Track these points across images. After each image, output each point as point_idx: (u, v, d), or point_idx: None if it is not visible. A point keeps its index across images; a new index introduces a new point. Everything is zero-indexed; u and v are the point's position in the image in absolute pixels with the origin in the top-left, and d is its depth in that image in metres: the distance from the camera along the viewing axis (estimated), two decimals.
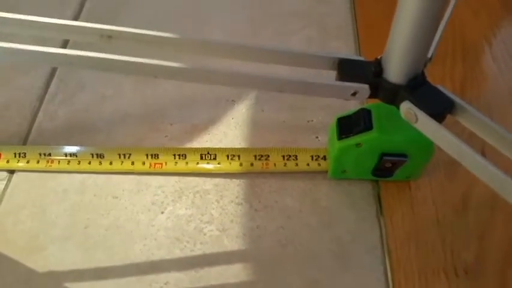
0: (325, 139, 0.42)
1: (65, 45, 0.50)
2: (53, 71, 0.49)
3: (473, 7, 0.53)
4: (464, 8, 0.52)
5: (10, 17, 0.30)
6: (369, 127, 0.34)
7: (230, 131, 0.44)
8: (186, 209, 0.39)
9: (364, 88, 0.29)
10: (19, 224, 0.38)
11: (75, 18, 0.54)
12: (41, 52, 0.28)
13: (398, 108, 0.29)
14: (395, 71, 0.28)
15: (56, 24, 0.29)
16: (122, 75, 0.46)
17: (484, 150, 0.37)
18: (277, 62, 0.30)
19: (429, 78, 0.29)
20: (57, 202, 0.39)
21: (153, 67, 0.28)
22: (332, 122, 0.37)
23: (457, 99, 0.27)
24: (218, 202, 0.39)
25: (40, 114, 0.45)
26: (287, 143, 0.42)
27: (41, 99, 0.47)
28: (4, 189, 0.40)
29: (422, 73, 0.29)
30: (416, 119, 0.27)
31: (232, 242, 0.37)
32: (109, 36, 0.28)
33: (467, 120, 0.28)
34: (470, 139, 0.28)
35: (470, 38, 0.50)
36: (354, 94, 0.29)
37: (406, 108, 0.28)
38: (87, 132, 0.44)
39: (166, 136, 0.43)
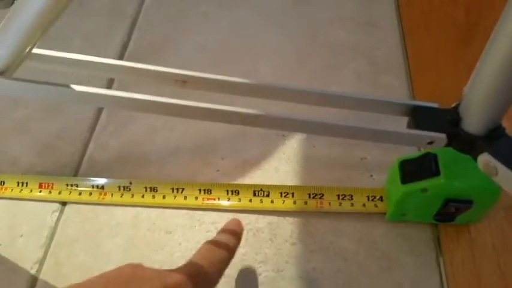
0: (380, 178, 0.41)
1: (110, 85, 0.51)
2: (109, 83, 0.49)
3: None
4: None
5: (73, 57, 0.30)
6: (436, 172, 0.33)
7: (282, 166, 0.43)
8: (240, 247, 0.38)
9: (441, 138, 0.28)
10: (72, 257, 0.38)
11: (124, 49, 0.55)
12: (121, 97, 0.28)
13: (474, 158, 0.28)
14: (474, 121, 0.27)
15: (128, 67, 0.29)
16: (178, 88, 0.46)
17: None
18: (347, 107, 0.30)
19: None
20: (110, 236, 0.39)
21: (222, 113, 0.28)
22: (393, 164, 0.36)
23: None
24: (272, 241, 0.38)
25: (91, 145, 0.46)
26: (340, 181, 0.42)
27: (92, 130, 0.47)
28: (57, 221, 0.41)
29: (500, 124, 0.28)
30: (497, 172, 0.27)
31: (288, 284, 0.36)
32: (184, 81, 0.28)
33: None
34: None
35: None
36: (430, 143, 0.28)
37: (485, 160, 0.27)
38: (139, 164, 0.44)
39: (218, 170, 0.43)
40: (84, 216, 0.41)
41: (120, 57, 0.54)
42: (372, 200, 0.39)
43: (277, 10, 0.58)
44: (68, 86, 0.28)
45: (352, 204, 0.39)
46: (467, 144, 0.28)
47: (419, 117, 0.29)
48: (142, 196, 0.41)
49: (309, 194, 0.40)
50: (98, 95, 0.28)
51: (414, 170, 0.34)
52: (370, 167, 0.42)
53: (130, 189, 0.41)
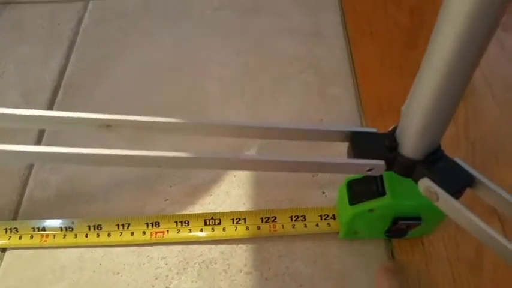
0: (332, 195, 0.41)
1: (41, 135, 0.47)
2: (41, 134, 0.46)
3: None
4: None
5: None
6: (381, 192, 0.32)
7: (233, 190, 0.42)
8: (192, 281, 0.37)
9: (380, 164, 0.27)
10: None
11: (61, 74, 0.52)
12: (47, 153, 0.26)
13: (416, 182, 0.28)
14: (411, 146, 0.27)
15: (56, 117, 0.27)
16: (115, 139, 0.44)
17: (503, 224, 0.36)
18: (288, 138, 0.29)
19: None
20: (55, 281, 0.37)
21: (155, 159, 0.26)
22: (342, 184, 0.36)
23: (476, 173, 0.26)
24: (226, 272, 0.37)
25: (30, 182, 0.43)
26: (293, 201, 0.41)
27: (31, 166, 0.44)
28: None
29: (439, 146, 0.27)
30: (437, 198, 0.26)
31: None
32: (107, 125, 0.26)
33: (486, 194, 0.27)
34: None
35: None
36: (370, 170, 0.28)
37: (426, 186, 0.27)
38: (82, 200, 0.41)
39: (166, 200, 0.41)
40: (26, 262, 0.38)
41: (58, 83, 0.51)
42: (325, 219, 0.39)
43: (223, 23, 0.56)
44: None
45: (305, 225, 0.38)
46: (407, 169, 0.28)
47: (358, 143, 0.28)
48: (86, 235, 0.39)
49: (262, 218, 0.39)
50: (22, 152, 0.26)
51: (361, 190, 0.33)
52: (321, 184, 0.42)
53: (73, 229, 0.39)
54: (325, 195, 0.41)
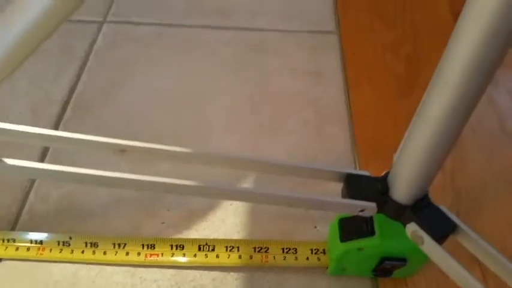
0: (324, 229, 0.42)
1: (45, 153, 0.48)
2: (45, 151, 0.48)
3: None
4: None
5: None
6: (371, 232, 0.34)
7: (229, 217, 0.43)
8: None
9: (371, 206, 0.29)
10: None
11: (71, 92, 0.54)
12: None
13: (404, 225, 0.30)
14: (402, 192, 0.29)
15: (69, 138, 0.29)
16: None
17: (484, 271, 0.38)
18: (285, 174, 0.30)
19: None
20: None
21: (155, 184, 0.28)
22: (333, 221, 0.37)
23: (459, 222, 0.28)
24: None
25: (31, 195, 0.44)
26: (286, 233, 0.42)
27: (33, 180, 0.45)
28: None
29: (427, 193, 0.30)
30: (423, 242, 0.28)
31: None
32: (122, 150, 0.28)
33: (468, 243, 0.29)
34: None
35: None
36: (362, 211, 0.30)
37: (412, 230, 0.28)
38: (81, 216, 0.43)
39: (163, 223, 0.43)
40: (20, 274, 0.39)
41: (68, 100, 0.53)
42: (315, 253, 0.40)
43: (230, 57, 0.59)
44: None
45: (296, 258, 0.40)
46: (396, 212, 0.30)
47: (352, 184, 0.30)
48: (82, 252, 0.40)
49: (255, 248, 0.40)
50: (27, 168, 0.27)
51: (352, 228, 0.35)
52: (314, 218, 0.43)
53: (70, 245, 0.40)
54: (317, 230, 0.43)
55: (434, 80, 0.24)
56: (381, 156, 0.48)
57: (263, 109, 0.53)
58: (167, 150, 0.28)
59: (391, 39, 0.62)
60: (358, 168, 0.48)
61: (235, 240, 0.41)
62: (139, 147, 0.28)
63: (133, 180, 0.28)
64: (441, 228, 0.28)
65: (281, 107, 0.53)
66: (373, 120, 0.52)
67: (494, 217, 0.45)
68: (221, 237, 0.42)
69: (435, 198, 0.45)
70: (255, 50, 0.60)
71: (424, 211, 0.29)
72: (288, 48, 0.60)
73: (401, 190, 0.29)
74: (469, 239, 0.28)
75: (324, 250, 0.40)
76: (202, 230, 0.42)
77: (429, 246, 0.28)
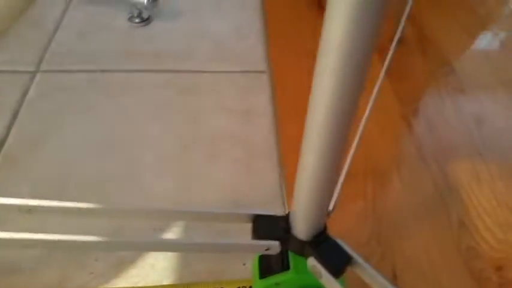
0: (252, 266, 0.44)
1: None
2: None
3: (380, 124, 0.60)
4: (372, 125, 0.59)
5: None
6: (286, 267, 0.36)
7: (158, 263, 0.44)
8: None
9: (275, 245, 0.31)
10: None
11: (1, 145, 0.54)
12: None
13: (306, 259, 0.32)
14: (300, 228, 0.31)
15: None
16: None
17: None
18: (200, 220, 0.32)
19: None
20: None
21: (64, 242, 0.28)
22: (255, 258, 0.39)
23: (354, 254, 0.30)
24: None
25: None
26: (215, 273, 0.43)
27: None
28: None
29: (325, 227, 0.32)
30: (321, 275, 0.30)
31: None
32: (28, 209, 0.28)
33: (362, 273, 0.31)
34: None
35: (378, 155, 0.56)
36: (267, 249, 0.31)
37: (312, 265, 0.30)
38: (7, 272, 0.42)
39: (91, 273, 0.42)
40: None
41: None
42: None
43: (163, 99, 0.61)
44: None
45: None
46: (298, 248, 0.31)
47: (259, 226, 0.32)
48: None
49: None
50: None
51: (269, 264, 0.37)
52: (242, 256, 0.45)
53: None
54: (246, 266, 0.44)
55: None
56: None
57: (195, 150, 0.55)
58: (74, 208, 0.29)
59: None
60: (286, 202, 0.50)
61: (163, 286, 0.42)
62: (47, 207, 0.29)
63: (42, 240, 0.28)
64: (338, 262, 0.30)
65: (212, 147, 0.55)
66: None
67: (412, 240, 0.48)
68: (150, 283, 0.42)
69: (358, 225, 0.48)
70: (188, 91, 0.62)
71: (321, 246, 0.31)
72: (220, 89, 0.63)
73: (300, 227, 0.31)
74: (363, 270, 0.30)
75: (250, 287, 0.41)
76: (131, 278, 0.43)
77: (327, 280, 0.30)
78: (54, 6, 0.75)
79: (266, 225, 0.32)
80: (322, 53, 0.21)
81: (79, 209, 0.29)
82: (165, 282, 0.42)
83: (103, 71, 0.64)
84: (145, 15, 0.73)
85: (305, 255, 0.32)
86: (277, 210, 0.44)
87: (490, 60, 0.76)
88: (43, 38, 0.69)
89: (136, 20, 0.73)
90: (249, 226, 0.34)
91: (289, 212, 0.32)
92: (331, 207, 0.32)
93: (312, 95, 0.24)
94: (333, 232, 0.33)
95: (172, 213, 0.33)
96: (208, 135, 0.56)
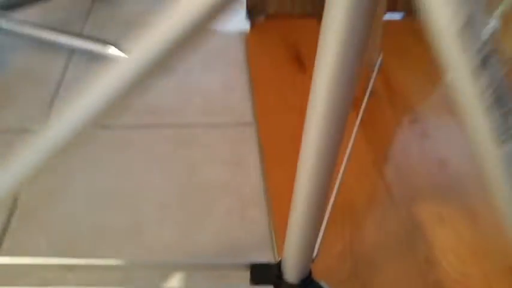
0: None
1: None
2: None
3: (354, 171, 0.68)
4: (347, 173, 0.67)
5: None
6: None
7: None
8: None
9: None
10: None
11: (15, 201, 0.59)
12: None
13: None
14: (290, 273, 0.37)
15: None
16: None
17: None
18: (199, 270, 0.38)
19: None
20: None
21: None
22: None
23: None
24: None
25: None
26: None
27: None
28: None
29: (310, 272, 0.38)
30: None
31: None
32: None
33: None
34: None
35: (353, 200, 0.63)
36: None
37: None
38: None
39: None
40: None
41: (12, 210, 0.57)
42: None
43: (160, 153, 0.67)
44: None
45: None
46: None
47: (256, 272, 0.38)
48: None
49: None
50: None
51: None
52: None
53: None
54: None
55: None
56: None
57: (189, 201, 0.61)
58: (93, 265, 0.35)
59: (302, 126, 0.73)
60: (275, 246, 0.56)
61: None
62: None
63: None
64: None
65: (206, 198, 0.62)
66: (289, 200, 0.62)
67: (388, 275, 0.54)
68: None
69: (337, 267, 0.55)
70: (184, 144, 0.69)
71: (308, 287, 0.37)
72: (212, 141, 0.70)
73: (290, 271, 0.37)
74: None
75: None
76: None
77: None
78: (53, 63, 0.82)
79: (262, 272, 0.38)
80: (310, 111, 0.28)
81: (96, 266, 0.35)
82: None
83: (104, 126, 0.70)
84: None
85: None
86: (268, 255, 0.51)
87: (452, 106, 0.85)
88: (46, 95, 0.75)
89: None
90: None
91: (280, 260, 0.39)
92: (314, 254, 0.39)
93: (299, 161, 0.32)
94: (318, 271, 0.39)
95: (176, 264, 0.38)
96: (203, 187, 0.63)
